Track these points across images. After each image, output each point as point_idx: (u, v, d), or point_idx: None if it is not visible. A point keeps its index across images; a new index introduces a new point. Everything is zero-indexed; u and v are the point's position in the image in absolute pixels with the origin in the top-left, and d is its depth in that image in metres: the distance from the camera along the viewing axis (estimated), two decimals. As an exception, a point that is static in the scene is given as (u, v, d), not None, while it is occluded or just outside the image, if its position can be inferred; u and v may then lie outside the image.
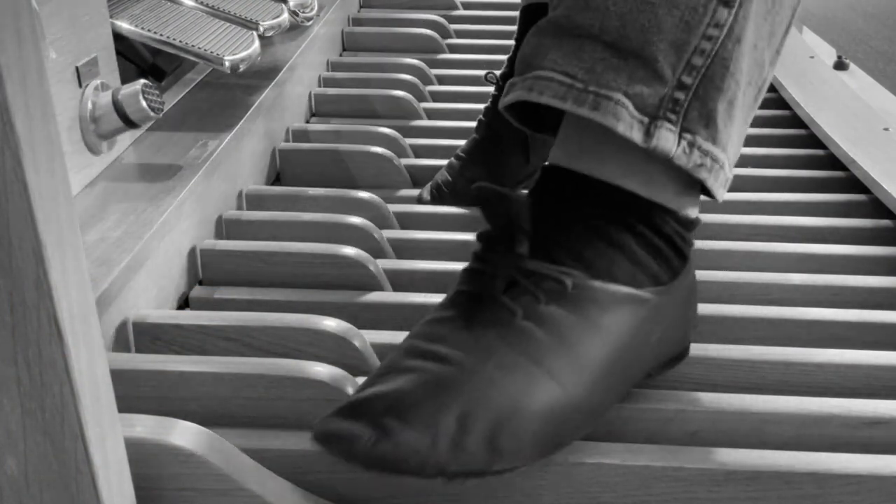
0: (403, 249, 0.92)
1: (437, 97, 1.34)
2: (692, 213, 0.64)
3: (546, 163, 0.65)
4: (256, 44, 1.04)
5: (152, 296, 0.77)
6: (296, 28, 1.29)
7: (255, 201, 0.99)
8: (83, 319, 0.42)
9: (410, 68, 1.37)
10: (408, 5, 1.66)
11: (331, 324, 0.72)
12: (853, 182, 1.05)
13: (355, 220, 0.91)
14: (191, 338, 0.73)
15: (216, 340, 0.73)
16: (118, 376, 0.54)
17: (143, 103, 0.82)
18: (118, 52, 0.91)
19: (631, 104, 0.59)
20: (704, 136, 0.60)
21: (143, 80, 0.84)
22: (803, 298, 0.83)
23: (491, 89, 1.08)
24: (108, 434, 0.45)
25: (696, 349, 0.71)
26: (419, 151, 1.16)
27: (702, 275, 0.85)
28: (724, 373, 0.71)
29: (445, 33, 1.56)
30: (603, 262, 0.60)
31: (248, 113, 1.01)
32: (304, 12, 1.30)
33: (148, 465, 0.54)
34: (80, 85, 0.82)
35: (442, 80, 1.40)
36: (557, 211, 0.61)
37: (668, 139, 0.59)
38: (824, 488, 0.59)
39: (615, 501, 0.60)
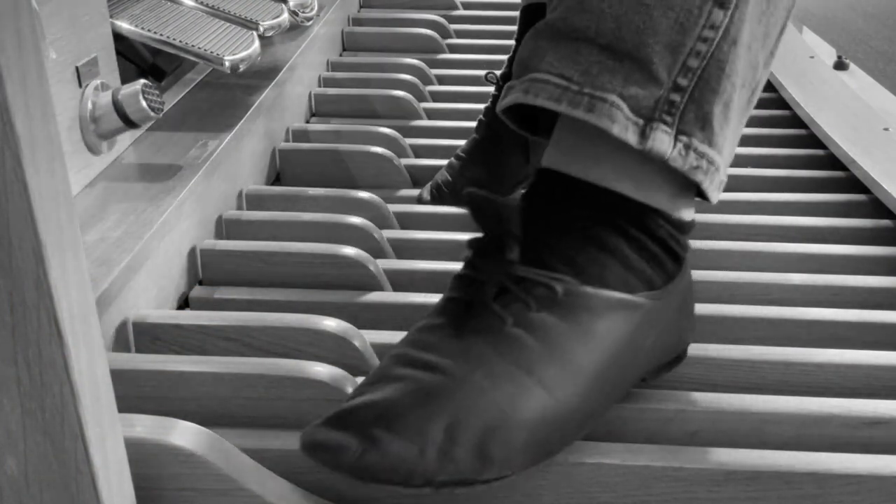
0: (403, 249, 0.92)
1: (437, 97, 1.34)
2: (687, 215, 0.64)
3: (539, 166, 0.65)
4: (256, 44, 1.04)
5: (152, 296, 0.77)
6: (296, 28, 1.29)
7: (255, 201, 0.99)
8: (83, 319, 0.42)
9: (410, 68, 1.37)
10: (408, 5, 1.66)
11: (331, 324, 0.72)
12: (853, 182, 1.05)
13: (355, 220, 0.91)
14: (191, 338, 0.73)
15: (216, 340, 0.73)
16: (118, 376, 0.54)
17: (143, 103, 0.82)
18: (118, 52, 0.91)
19: (626, 106, 0.58)
20: (700, 139, 0.60)
21: (143, 80, 0.84)
22: (803, 298, 0.83)
23: (491, 89, 1.08)
24: (108, 434, 0.45)
25: (696, 349, 0.71)
26: (419, 151, 1.16)
27: (702, 275, 0.85)
28: (724, 373, 0.71)
29: (445, 33, 1.56)
30: (595, 267, 0.60)
31: (248, 113, 1.01)
32: (304, 12, 1.31)
33: (148, 465, 0.54)
34: (80, 85, 0.82)
35: (442, 80, 1.40)
36: (549, 215, 0.61)
37: (663, 141, 0.59)
38: (824, 488, 0.59)
39: (615, 501, 0.60)
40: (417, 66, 1.38)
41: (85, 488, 0.44)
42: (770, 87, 1.33)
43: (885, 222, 0.96)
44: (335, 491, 0.60)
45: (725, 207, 0.99)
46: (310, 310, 0.77)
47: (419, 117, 1.25)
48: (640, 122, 0.59)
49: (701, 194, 0.63)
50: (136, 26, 0.93)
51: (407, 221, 0.99)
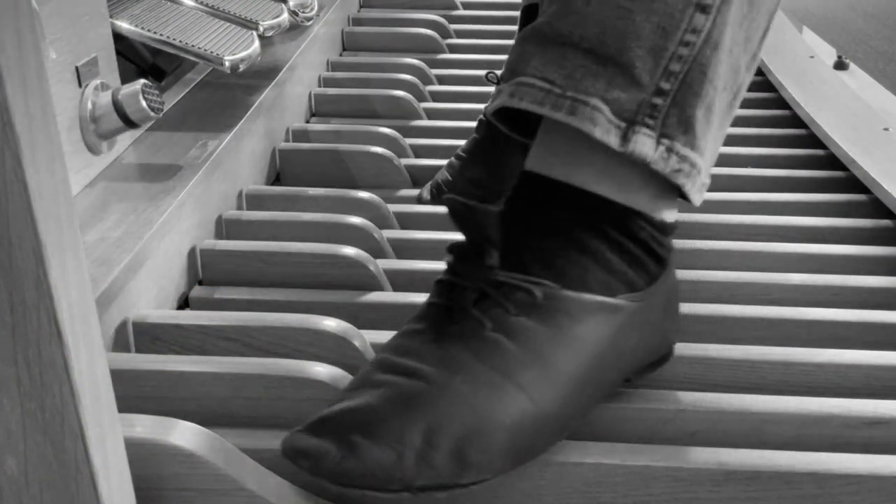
0: (403, 249, 0.92)
1: (437, 97, 1.34)
2: (669, 217, 0.64)
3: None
4: (256, 44, 1.04)
5: (152, 296, 0.77)
6: (296, 28, 1.29)
7: (255, 201, 0.99)
8: (83, 319, 0.42)
9: (410, 68, 1.37)
10: (408, 5, 1.66)
11: (331, 324, 0.72)
12: (853, 182, 1.05)
13: (355, 220, 0.91)
14: (191, 338, 0.73)
15: (216, 340, 0.73)
16: (118, 376, 0.54)
17: (143, 103, 0.82)
18: (118, 52, 0.91)
19: (608, 109, 0.59)
20: (683, 142, 0.60)
21: (143, 80, 0.84)
22: (803, 298, 0.83)
23: (491, 89, 1.08)
24: (108, 434, 0.45)
25: (696, 349, 0.71)
26: (419, 151, 1.16)
27: (702, 275, 0.85)
28: (724, 373, 0.71)
29: (445, 33, 1.56)
30: (575, 270, 0.60)
31: (248, 113, 1.01)
32: (304, 12, 1.30)
33: (148, 465, 0.54)
34: (80, 85, 0.82)
35: (442, 80, 1.40)
36: (531, 218, 0.61)
37: (645, 144, 0.59)
38: (824, 488, 0.59)
39: (615, 501, 0.60)
40: (417, 66, 1.38)
41: (85, 488, 0.44)
42: (770, 87, 1.33)
43: (885, 222, 0.96)
44: (335, 491, 0.60)
45: (725, 207, 0.99)
46: (310, 310, 0.77)
47: (419, 117, 1.25)
48: (623, 125, 0.59)
49: (683, 196, 0.63)
50: (136, 26, 0.93)
51: (407, 221, 0.99)
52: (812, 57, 1.40)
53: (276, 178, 1.11)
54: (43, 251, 0.39)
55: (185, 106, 1.04)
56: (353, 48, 1.52)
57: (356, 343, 0.71)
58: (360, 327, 0.74)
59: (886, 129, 1.12)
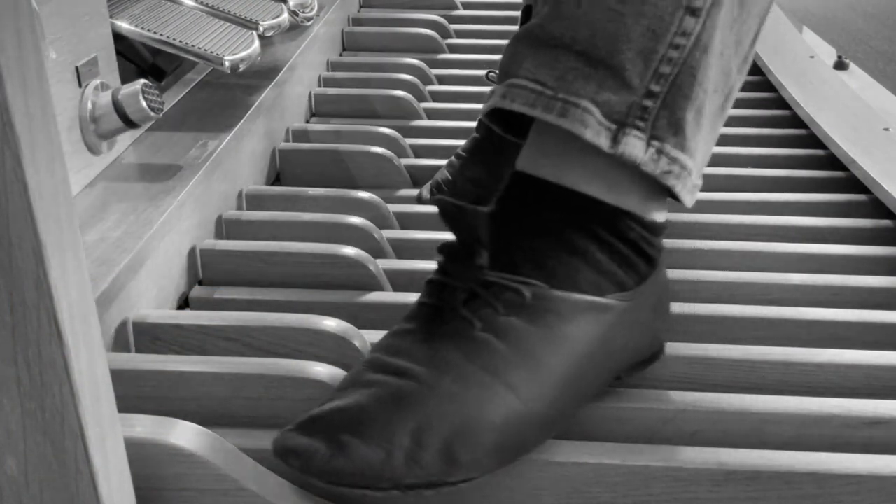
0: (403, 249, 0.92)
1: (437, 97, 1.34)
2: (659, 217, 0.64)
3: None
4: (256, 44, 1.04)
5: (152, 296, 0.77)
6: (296, 28, 1.29)
7: (255, 201, 0.99)
8: (83, 319, 0.42)
9: (410, 68, 1.37)
10: (408, 5, 1.66)
11: (331, 324, 0.72)
12: (853, 182, 1.05)
13: (355, 220, 0.91)
14: (191, 338, 0.73)
15: (216, 340, 0.73)
16: (118, 376, 0.54)
17: (143, 103, 0.82)
18: (118, 52, 0.91)
19: (598, 111, 0.59)
20: (673, 144, 0.61)
21: (143, 80, 0.84)
22: (803, 298, 0.83)
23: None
24: (108, 434, 0.45)
25: (696, 349, 0.71)
26: (419, 151, 1.16)
27: (702, 275, 0.85)
28: (724, 373, 0.71)
29: (445, 33, 1.56)
30: (565, 270, 0.61)
31: (248, 113, 1.01)
32: (304, 12, 1.30)
33: (148, 465, 0.54)
34: (80, 85, 0.82)
35: (442, 80, 1.40)
36: (521, 218, 0.62)
37: (635, 146, 0.60)
38: (824, 488, 0.59)
39: (615, 501, 0.60)
40: (417, 66, 1.38)
41: (85, 488, 0.44)
42: (770, 87, 1.33)
43: (885, 222, 0.96)
44: (335, 491, 0.60)
45: (725, 207, 0.99)
46: (310, 310, 0.77)
47: (419, 117, 1.25)
48: (613, 127, 0.60)
49: (675, 197, 0.64)
50: (136, 26, 0.93)
51: (407, 221, 0.99)
52: (812, 57, 1.40)
53: (276, 178, 1.11)
54: (43, 251, 0.39)
55: (185, 106, 1.04)
56: (353, 48, 1.52)
57: (356, 343, 0.71)
58: (360, 327, 0.74)
59: (886, 129, 1.12)
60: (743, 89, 1.35)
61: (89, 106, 0.82)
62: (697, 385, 0.70)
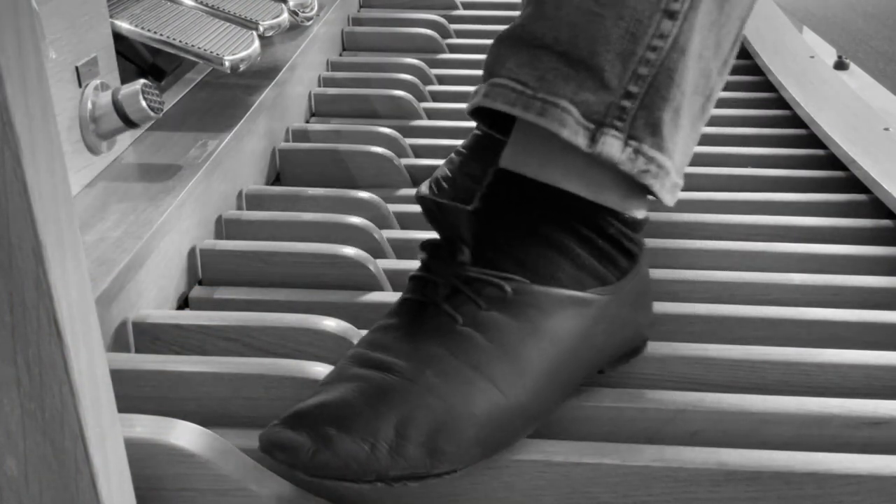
0: (403, 249, 0.92)
1: (437, 97, 1.34)
2: (639, 213, 0.65)
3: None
4: (256, 44, 1.04)
5: (152, 296, 0.77)
6: (296, 28, 1.29)
7: (254, 201, 0.99)
8: (83, 319, 0.42)
9: (410, 68, 1.37)
10: (408, 5, 1.66)
11: (331, 324, 0.72)
12: (853, 182, 1.05)
13: (355, 220, 0.91)
14: (191, 338, 0.73)
15: (216, 340, 0.73)
16: (118, 376, 0.54)
17: (143, 103, 0.82)
18: (118, 52, 0.91)
19: (577, 111, 0.61)
20: (650, 144, 0.62)
21: (143, 80, 0.84)
22: (803, 298, 0.83)
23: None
24: (108, 434, 0.45)
25: (696, 349, 0.71)
26: (419, 151, 1.16)
27: (702, 275, 0.85)
28: (724, 373, 0.71)
29: (445, 33, 1.56)
30: (545, 266, 0.62)
31: (248, 113, 1.01)
32: (304, 12, 1.30)
33: (148, 465, 0.54)
34: (80, 85, 0.82)
35: (442, 80, 1.40)
36: (503, 214, 0.63)
37: (613, 145, 0.61)
38: (824, 488, 0.59)
39: (615, 501, 0.60)
40: (417, 66, 1.38)
41: (85, 488, 0.43)
42: (770, 87, 1.33)
43: (885, 222, 0.96)
44: (335, 491, 0.60)
45: (725, 207, 0.99)
46: (310, 310, 0.77)
47: (419, 117, 1.25)
48: (591, 126, 0.61)
49: (654, 195, 0.65)
50: (136, 26, 0.93)
51: (407, 221, 0.99)
52: (812, 57, 1.40)
53: (276, 178, 1.11)
54: (43, 251, 0.39)
55: (185, 106, 1.04)
56: (353, 48, 1.52)
57: (356, 343, 0.71)
58: (360, 327, 0.74)
59: (886, 129, 1.12)
60: (743, 89, 1.36)
61: (89, 106, 0.82)
62: (697, 385, 0.70)
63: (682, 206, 0.98)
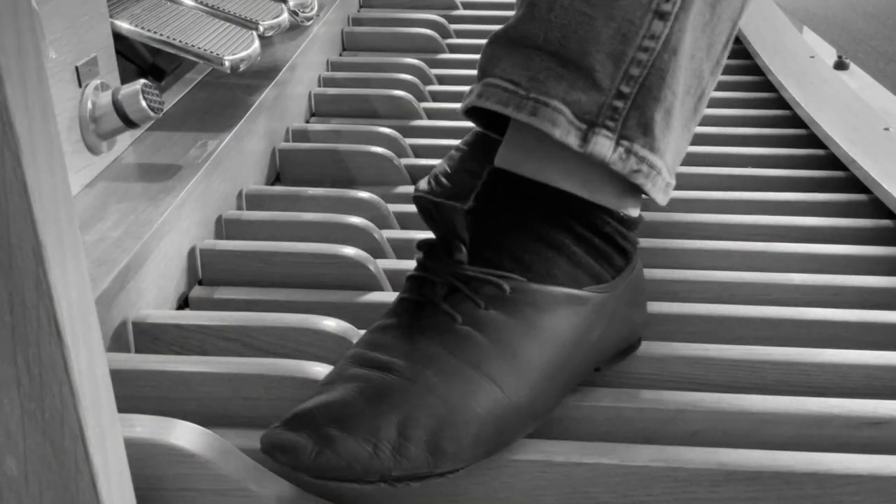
0: (403, 249, 0.92)
1: (437, 97, 1.34)
2: (633, 212, 0.66)
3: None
4: (256, 44, 1.04)
5: (152, 296, 0.77)
6: (296, 28, 1.29)
7: (254, 201, 0.99)
8: (83, 319, 0.42)
9: (410, 68, 1.37)
10: (408, 5, 1.66)
11: (331, 324, 0.72)
12: (853, 182, 1.05)
13: (355, 220, 0.91)
14: (191, 338, 0.73)
15: (216, 340, 0.73)
16: (118, 376, 0.54)
17: (143, 103, 0.82)
18: (118, 52, 0.91)
19: (569, 111, 0.61)
20: (642, 144, 0.62)
21: (143, 80, 0.84)
22: (803, 298, 0.83)
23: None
24: (108, 434, 0.45)
25: (696, 349, 0.71)
26: (419, 151, 1.16)
27: (702, 275, 0.85)
28: (724, 373, 0.71)
29: (445, 33, 1.56)
30: (542, 264, 0.62)
31: (248, 113, 1.01)
32: (304, 12, 1.30)
33: (148, 465, 0.54)
34: (80, 85, 0.82)
35: (442, 80, 1.40)
36: (499, 213, 0.63)
37: (604, 145, 0.62)
38: (824, 488, 0.59)
39: (615, 501, 0.60)
40: (417, 66, 1.38)
41: (85, 488, 0.43)
42: (770, 87, 1.33)
43: (885, 222, 0.96)
44: (335, 491, 0.60)
45: (725, 207, 0.99)
46: (310, 310, 0.77)
47: (419, 117, 1.25)
48: (583, 126, 0.61)
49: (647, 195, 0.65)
50: (136, 26, 0.93)
51: (407, 221, 0.99)
52: (812, 57, 1.40)
53: (276, 178, 1.11)
54: (43, 251, 0.39)
55: (185, 106, 1.04)
56: (353, 48, 1.52)
57: (355, 343, 0.71)
58: (360, 327, 0.74)
59: (886, 129, 1.12)
60: (743, 89, 1.36)
61: (89, 106, 0.82)
62: (697, 385, 0.70)
63: (682, 206, 0.99)
